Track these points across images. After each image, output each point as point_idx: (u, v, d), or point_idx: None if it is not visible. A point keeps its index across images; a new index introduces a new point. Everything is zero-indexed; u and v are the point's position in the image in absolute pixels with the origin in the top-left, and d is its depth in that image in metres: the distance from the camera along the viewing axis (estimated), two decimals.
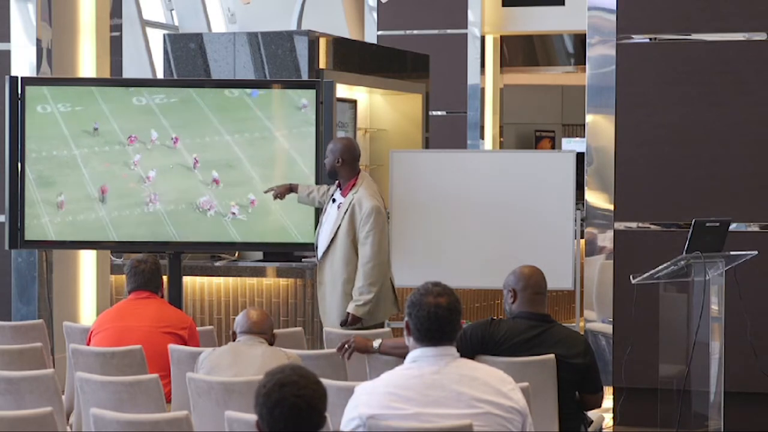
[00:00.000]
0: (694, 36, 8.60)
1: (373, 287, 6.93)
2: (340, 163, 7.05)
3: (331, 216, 7.09)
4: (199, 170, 7.71)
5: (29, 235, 7.67)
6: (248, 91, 7.83)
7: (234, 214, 7.69)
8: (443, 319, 3.99)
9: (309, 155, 7.73)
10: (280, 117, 7.78)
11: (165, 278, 7.68)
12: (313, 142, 7.71)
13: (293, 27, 14.93)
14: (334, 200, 7.12)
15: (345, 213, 6.99)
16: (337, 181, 7.17)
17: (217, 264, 8.93)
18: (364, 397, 3.93)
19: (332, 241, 7.02)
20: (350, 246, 6.99)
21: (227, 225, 7.69)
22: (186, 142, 7.73)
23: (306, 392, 3.22)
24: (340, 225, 6.99)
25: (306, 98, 7.74)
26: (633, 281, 7.14)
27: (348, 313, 6.92)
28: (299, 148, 7.73)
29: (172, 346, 5.77)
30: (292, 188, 7.43)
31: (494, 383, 3.99)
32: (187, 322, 6.11)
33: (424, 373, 3.95)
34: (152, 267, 6.16)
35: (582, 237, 9.16)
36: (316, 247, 7.19)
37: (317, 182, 7.64)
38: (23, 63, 8.60)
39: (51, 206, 7.67)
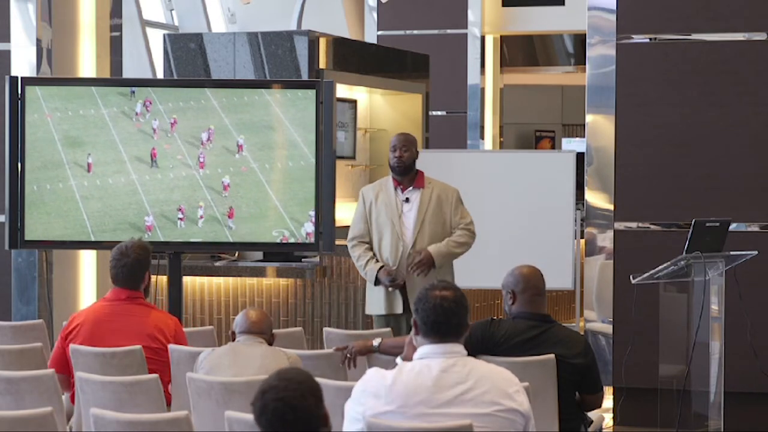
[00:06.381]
0: (694, 36, 8.60)
1: (460, 249, 7.04)
2: (417, 155, 7.15)
3: (411, 212, 7.08)
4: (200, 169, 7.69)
5: (56, 199, 7.49)
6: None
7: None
8: (449, 311, 3.98)
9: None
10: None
11: (165, 278, 7.69)
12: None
13: (293, 27, 14.92)
14: (407, 200, 7.11)
15: (429, 201, 7.06)
16: (391, 177, 7.15)
17: (217, 264, 8.93)
18: (366, 396, 3.93)
19: (419, 231, 7.05)
20: (440, 229, 7.06)
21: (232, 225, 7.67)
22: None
23: (286, 394, 3.19)
24: (426, 211, 7.05)
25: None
26: (633, 281, 7.14)
27: (428, 251, 6.93)
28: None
29: (173, 347, 5.76)
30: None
31: (500, 384, 3.98)
32: (166, 329, 5.82)
33: (430, 370, 3.94)
34: (134, 261, 5.85)
35: (582, 237, 9.15)
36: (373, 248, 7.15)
37: (318, 179, 7.62)
38: (23, 63, 8.60)
39: (78, 168, 7.53)
